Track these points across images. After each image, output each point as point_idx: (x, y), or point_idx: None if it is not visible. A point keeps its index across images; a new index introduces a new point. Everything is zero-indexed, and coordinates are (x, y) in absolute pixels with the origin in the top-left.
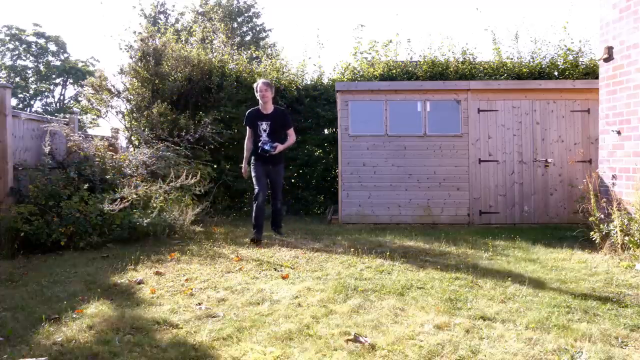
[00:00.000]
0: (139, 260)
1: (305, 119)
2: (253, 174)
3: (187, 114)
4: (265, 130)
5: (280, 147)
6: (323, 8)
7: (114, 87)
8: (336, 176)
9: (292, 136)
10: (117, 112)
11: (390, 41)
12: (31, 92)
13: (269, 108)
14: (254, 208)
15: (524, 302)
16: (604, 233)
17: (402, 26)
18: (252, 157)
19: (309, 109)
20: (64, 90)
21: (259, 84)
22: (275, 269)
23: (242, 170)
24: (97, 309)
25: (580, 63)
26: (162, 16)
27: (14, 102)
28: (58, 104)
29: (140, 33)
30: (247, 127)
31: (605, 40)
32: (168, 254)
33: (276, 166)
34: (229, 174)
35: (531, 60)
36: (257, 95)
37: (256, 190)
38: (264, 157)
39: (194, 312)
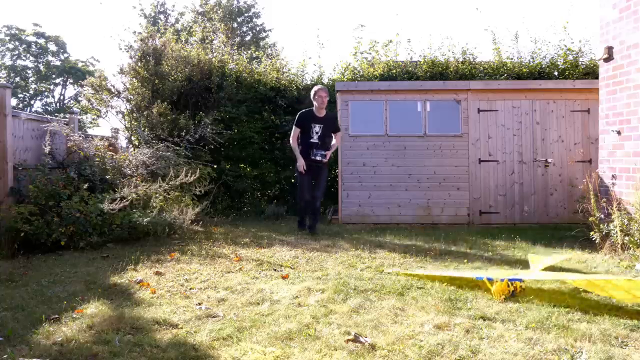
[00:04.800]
0: (139, 260)
1: None
2: (298, 177)
3: (187, 114)
4: (317, 133)
5: (329, 154)
6: (323, 8)
7: (113, 87)
8: (336, 176)
9: (338, 139)
10: (117, 112)
11: (391, 41)
12: (31, 92)
13: (323, 112)
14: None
15: (524, 302)
16: (604, 233)
17: (402, 26)
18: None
19: (310, 106)
20: (64, 90)
21: (318, 90)
22: (275, 269)
23: (299, 165)
24: (97, 309)
25: (580, 63)
26: (162, 16)
27: (14, 102)
28: (58, 104)
29: (140, 33)
30: (296, 127)
31: (605, 40)
32: (168, 254)
33: (322, 166)
34: (229, 174)
35: (531, 60)
36: (316, 100)
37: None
38: (312, 160)
39: (194, 312)
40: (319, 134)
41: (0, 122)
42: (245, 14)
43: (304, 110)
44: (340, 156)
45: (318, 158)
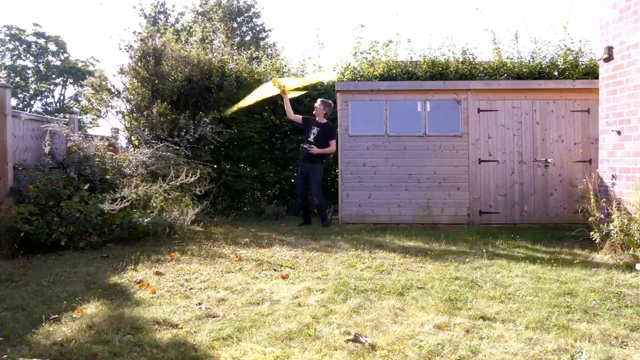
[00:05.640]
0: (139, 260)
1: None
2: (297, 174)
3: (187, 114)
4: (314, 134)
5: (315, 150)
6: (323, 8)
7: (113, 87)
8: (336, 176)
9: (331, 146)
10: (117, 112)
11: (391, 41)
12: (31, 92)
13: (322, 120)
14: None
15: (524, 302)
16: (604, 233)
17: (402, 26)
18: (300, 155)
19: (309, 109)
20: (64, 90)
21: (317, 102)
22: (275, 269)
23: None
24: (97, 309)
25: (580, 63)
26: (162, 16)
27: (14, 102)
28: (58, 104)
29: (140, 33)
30: (303, 121)
31: (605, 40)
32: (168, 254)
33: (313, 165)
34: (229, 174)
35: (531, 60)
36: (315, 108)
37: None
38: (304, 154)
39: (194, 312)
40: (315, 136)
41: (0, 122)
42: (245, 14)
43: (312, 116)
44: (340, 156)
45: (305, 145)
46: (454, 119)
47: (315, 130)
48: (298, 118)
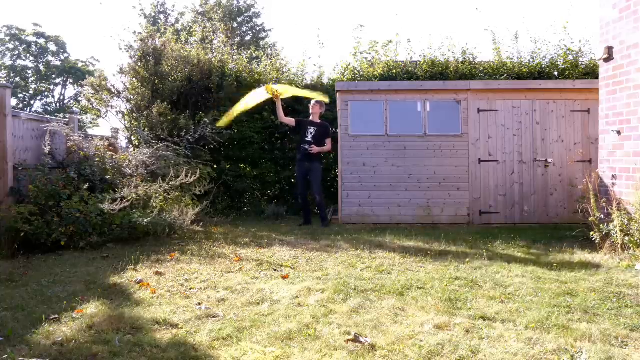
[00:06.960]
0: (139, 260)
1: None
2: (296, 174)
3: (187, 114)
4: (311, 134)
5: (316, 149)
6: (323, 8)
7: (113, 87)
8: (336, 176)
9: (328, 145)
10: (117, 112)
11: (390, 41)
12: (31, 92)
13: (317, 120)
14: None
15: (524, 302)
16: (604, 233)
17: (402, 26)
18: (297, 156)
19: (309, 109)
20: (64, 90)
21: (312, 103)
22: (275, 269)
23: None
24: (97, 309)
25: (580, 63)
26: (162, 16)
27: (14, 102)
28: (58, 104)
29: (140, 33)
30: (297, 123)
31: (605, 40)
32: (168, 254)
33: (312, 164)
34: (229, 174)
35: (531, 60)
36: (311, 108)
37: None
38: (303, 153)
39: (194, 312)
40: (313, 135)
41: (0, 122)
42: (245, 14)
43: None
44: (340, 156)
45: (306, 146)
46: (454, 119)
47: (312, 130)
48: (291, 121)
